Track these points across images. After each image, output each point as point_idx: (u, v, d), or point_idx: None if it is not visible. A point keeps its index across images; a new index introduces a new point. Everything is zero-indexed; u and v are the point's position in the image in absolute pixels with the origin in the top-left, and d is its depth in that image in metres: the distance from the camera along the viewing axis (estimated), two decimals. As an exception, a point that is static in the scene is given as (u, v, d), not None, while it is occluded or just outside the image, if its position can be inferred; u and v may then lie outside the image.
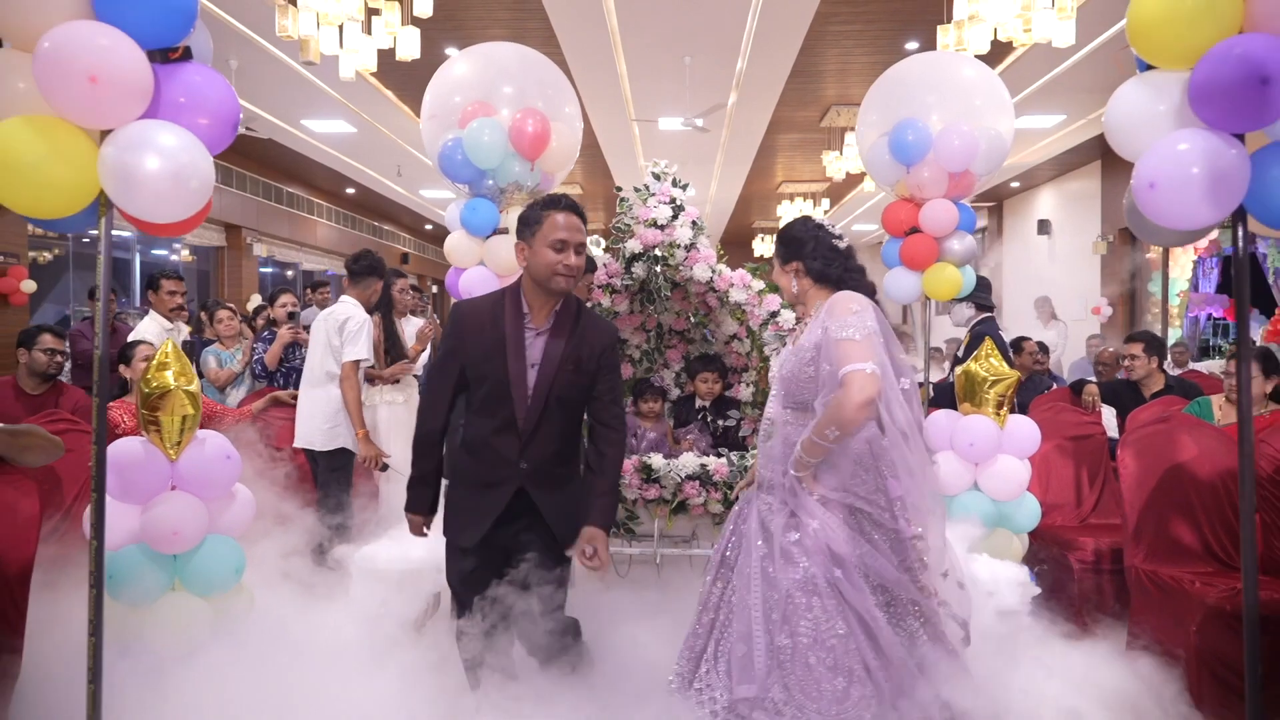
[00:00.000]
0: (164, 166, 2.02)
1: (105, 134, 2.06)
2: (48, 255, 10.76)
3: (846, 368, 2.27)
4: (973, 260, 4.07)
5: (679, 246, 3.73)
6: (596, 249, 3.95)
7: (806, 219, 2.61)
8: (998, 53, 7.15)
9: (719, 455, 3.55)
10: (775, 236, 2.69)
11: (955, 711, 2.27)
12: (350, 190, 14.50)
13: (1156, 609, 3.27)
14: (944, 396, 4.52)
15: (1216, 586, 3.15)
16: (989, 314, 4.89)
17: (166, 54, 2.08)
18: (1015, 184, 13.18)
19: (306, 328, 5.35)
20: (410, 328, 5.19)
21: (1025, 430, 3.52)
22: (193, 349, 5.71)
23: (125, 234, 11.33)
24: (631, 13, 7.05)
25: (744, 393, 4.08)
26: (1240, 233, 2.22)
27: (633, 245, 3.76)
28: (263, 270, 13.57)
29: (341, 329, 4.25)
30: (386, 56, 5.86)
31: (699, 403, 4.09)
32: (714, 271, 3.76)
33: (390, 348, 4.86)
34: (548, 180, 3.68)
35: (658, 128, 10.17)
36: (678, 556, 3.50)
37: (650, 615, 3.12)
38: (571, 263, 2.52)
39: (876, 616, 2.27)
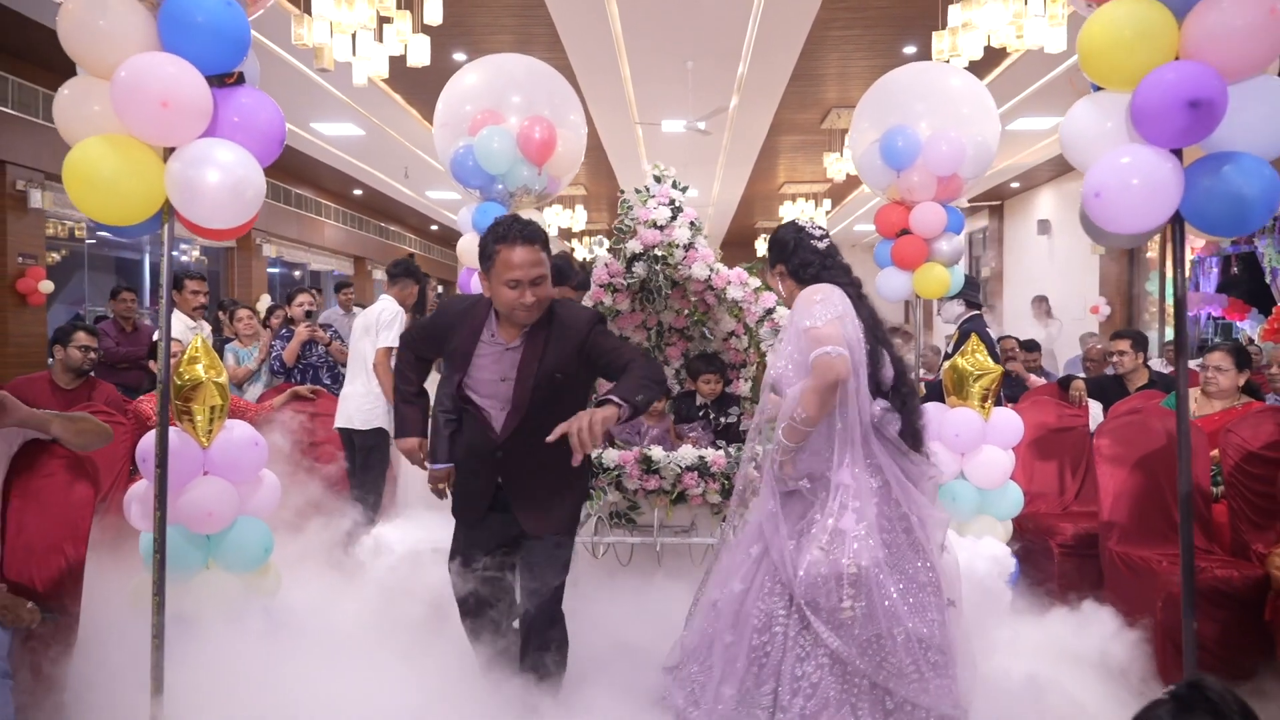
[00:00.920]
0: (223, 179, 2.26)
1: (169, 151, 2.29)
2: (55, 256, 10.87)
3: (815, 353, 2.36)
4: (960, 259, 4.22)
5: (678, 246, 3.86)
6: (599, 249, 4.10)
7: (791, 223, 2.71)
8: (993, 58, 7.20)
9: (718, 449, 3.70)
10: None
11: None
12: (358, 192, 14.53)
13: (1127, 588, 3.43)
14: (936, 392, 4.68)
15: (1182, 567, 3.32)
16: (977, 311, 5.04)
17: (223, 79, 2.31)
18: (1015, 184, 13.18)
19: (324, 327, 5.60)
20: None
21: (1009, 422, 3.65)
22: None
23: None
24: (635, 18, 7.11)
25: (743, 388, 4.20)
26: (1178, 236, 2.42)
27: (633, 245, 3.88)
28: (271, 270, 13.69)
29: (378, 320, 4.76)
30: (396, 62, 5.98)
31: (699, 400, 4.23)
32: (712, 270, 3.90)
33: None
34: (554, 184, 3.83)
35: (661, 130, 10.19)
36: (677, 545, 3.67)
37: (651, 600, 3.31)
38: (529, 301, 2.45)
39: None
